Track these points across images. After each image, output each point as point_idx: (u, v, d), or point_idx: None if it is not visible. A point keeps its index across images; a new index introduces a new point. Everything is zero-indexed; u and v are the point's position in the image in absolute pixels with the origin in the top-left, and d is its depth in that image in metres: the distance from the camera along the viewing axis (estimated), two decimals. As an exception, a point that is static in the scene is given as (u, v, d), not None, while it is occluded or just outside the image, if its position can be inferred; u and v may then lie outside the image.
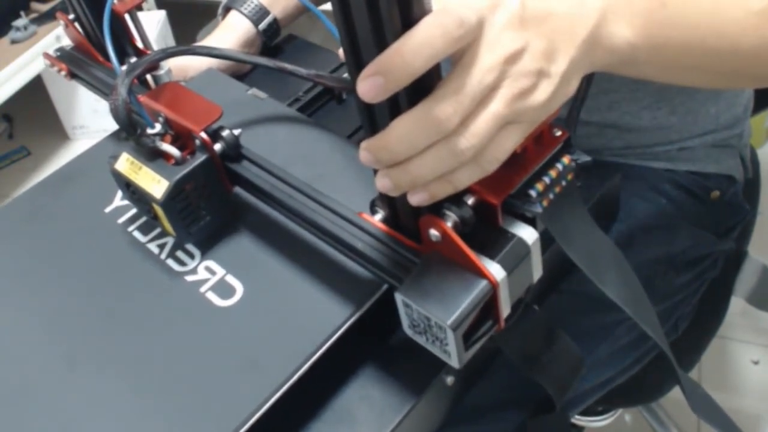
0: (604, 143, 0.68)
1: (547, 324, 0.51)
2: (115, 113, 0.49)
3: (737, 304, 1.00)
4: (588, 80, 0.62)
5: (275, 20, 0.81)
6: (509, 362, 0.50)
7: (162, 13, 1.88)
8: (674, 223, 0.67)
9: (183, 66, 0.77)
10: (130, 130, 0.50)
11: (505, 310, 0.41)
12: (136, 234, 0.56)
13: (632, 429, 1.21)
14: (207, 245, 0.54)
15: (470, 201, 0.41)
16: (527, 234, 0.41)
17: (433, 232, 0.40)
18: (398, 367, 0.50)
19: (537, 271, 0.43)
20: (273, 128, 0.62)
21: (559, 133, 0.43)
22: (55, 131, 2.00)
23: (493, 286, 0.39)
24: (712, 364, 1.26)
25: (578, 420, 0.93)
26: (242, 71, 0.81)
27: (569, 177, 0.43)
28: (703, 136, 0.68)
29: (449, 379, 0.50)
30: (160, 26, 1.84)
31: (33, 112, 2.06)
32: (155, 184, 0.50)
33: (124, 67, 0.58)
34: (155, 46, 0.67)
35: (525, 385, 0.55)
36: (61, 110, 1.95)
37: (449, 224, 0.40)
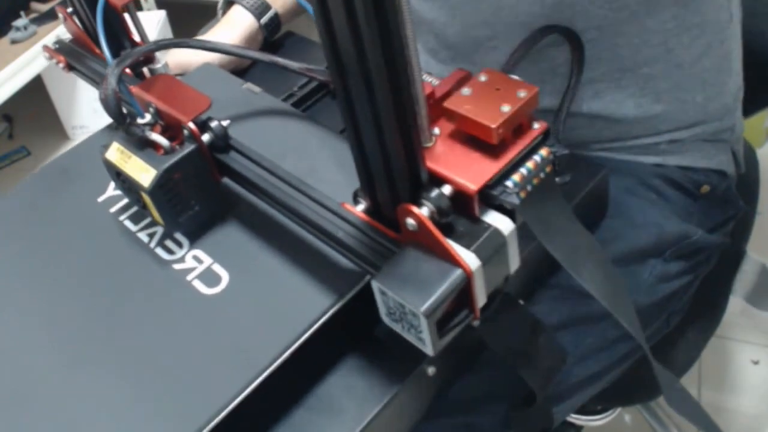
0: (594, 135, 0.68)
1: (530, 318, 0.51)
2: (105, 102, 0.50)
3: (737, 304, 0.99)
4: (579, 71, 0.63)
5: (276, 15, 0.82)
6: (494, 356, 0.50)
7: (162, 13, 1.88)
8: (664, 218, 0.67)
9: (183, 63, 0.78)
10: (119, 119, 0.50)
11: (480, 299, 0.41)
12: (127, 223, 0.57)
13: (632, 429, 1.21)
14: (195, 234, 0.55)
15: (447, 191, 0.41)
16: (504, 224, 0.41)
17: (410, 221, 0.40)
18: (380, 357, 0.50)
19: (514, 262, 0.43)
20: (265, 121, 0.63)
21: (537, 126, 0.43)
22: (55, 131, 2.01)
23: (468, 275, 0.39)
24: (712, 364, 1.26)
25: (576, 419, 0.93)
26: (243, 66, 0.82)
27: (548, 169, 0.43)
28: (692, 128, 0.68)
29: (431, 370, 0.51)
30: (160, 26, 1.84)
31: (33, 112, 2.07)
32: (144, 173, 0.51)
33: (118, 59, 0.59)
34: (153, 43, 0.68)
35: (510, 378, 0.56)
36: (61, 110, 1.95)
37: (425, 213, 0.40)
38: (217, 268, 0.52)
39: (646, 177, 0.68)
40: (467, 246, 0.40)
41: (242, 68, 0.83)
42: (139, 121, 0.52)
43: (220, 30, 0.81)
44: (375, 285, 0.40)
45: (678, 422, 1.10)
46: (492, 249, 0.41)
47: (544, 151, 0.43)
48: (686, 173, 0.69)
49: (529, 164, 0.42)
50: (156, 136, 0.52)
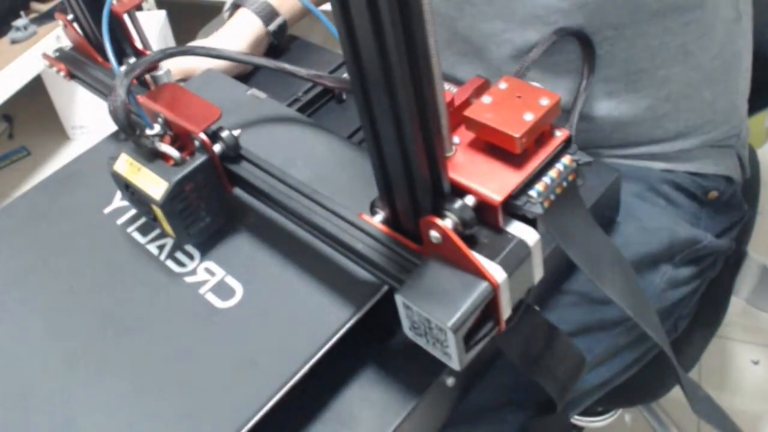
0: (602, 137, 0.67)
1: (548, 325, 0.50)
2: (114, 114, 0.49)
3: (737, 304, 0.99)
4: (590, 75, 0.62)
5: (285, 22, 0.81)
6: (510, 363, 0.50)
7: (162, 13, 1.87)
8: (674, 223, 0.67)
9: (186, 69, 0.77)
10: (129, 131, 0.49)
11: (506, 311, 0.41)
12: (136, 235, 0.56)
13: (632, 429, 1.21)
14: (206, 246, 0.54)
15: (471, 202, 0.40)
16: (528, 235, 0.41)
17: (434, 234, 0.40)
18: (398, 369, 0.50)
19: (538, 273, 0.42)
20: (272, 129, 0.62)
21: (560, 134, 0.43)
22: (55, 131, 1.99)
23: (494, 288, 0.39)
24: (712, 364, 1.26)
25: (578, 420, 0.92)
26: (247, 70, 0.81)
27: (570, 177, 0.43)
28: (700, 133, 0.68)
29: (450, 381, 0.50)
30: (160, 26, 1.83)
31: (33, 112, 2.05)
32: (154, 186, 0.50)
33: (123, 68, 0.58)
34: (155, 47, 0.67)
35: (526, 386, 0.55)
36: (61, 110, 1.94)
37: (449, 225, 0.39)
38: (230, 281, 0.51)
39: (654, 183, 0.68)
40: (492, 258, 0.40)
41: (245, 72, 0.82)
42: (148, 132, 0.51)
43: (226, 34, 0.80)
44: (399, 299, 0.40)
45: (678, 422, 1.10)
46: (517, 260, 0.40)
47: (566, 160, 0.42)
48: (694, 179, 0.69)
49: (552, 173, 0.42)
50: (166, 148, 0.51)
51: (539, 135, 0.42)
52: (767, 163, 0.95)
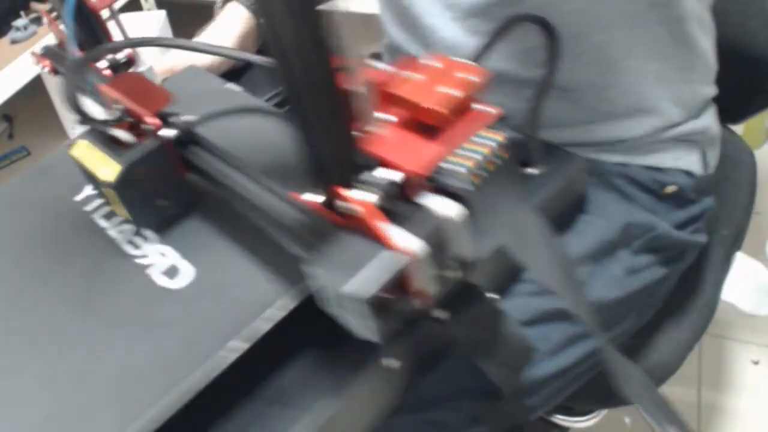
0: (551, 112, 0.64)
1: (496, 312, 0.50)
2: (67, 99, 0.50)
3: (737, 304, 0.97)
4: (552, 66, 0.61)
5: None
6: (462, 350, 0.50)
7: (162, 13, 1.87)
8: (628, 209, 0.66)
9: (172, 67, 0.78)
10: (79, 114, 0.51)
11: (427, 286, 0.40)
12: (100, 220, 0.57)
13: (632, 429, 1.18)
14: (162, 230, 0.55)
15: (392, 176, 0.41)
16: (450, 209, 0.41)
17: (342, 204, 0.40)
18: (340, 351, 0.50)
19: (465, 248, 0.42)
20: (237, 118, 0.63)
21: (491, 110, 0.43)
22: (55, 131, 1.99)
23: (405, 258, 0.38)
24: (712, 364, 1.24)
25: (562, 420, 0.91)
26: (236, 66, 0.83)
27: (502, 155, 0.43)
28: (655, 118, 0.66)
29: (393, 363, 0.50)
30: (160, 26, 1.82)
31: (33, 112, 2.06)
32: (107, 168, 0.51)
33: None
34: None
35: (479, 373, 0.55)
36: (61, 110, 1.94)
37: (364, 198, 0.39)
38: (183, 264, 0.52)
39: (608, 176, 0.67)
40: (406, 228, 0.39)
41: (236, 68, 0.83)
42: (103, 117, 0.53)
43: (214, 29, 0.82)
44: (306, 270, 0.40)
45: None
46: (434, 232, 0.40)
47: (498, 137, 0.42)
48: (650, 173, 0.68)
49: (484, 150, 0.42)
50: (120, 133, 0.52)
51: (468, 110, 0.42)
52: (766, 164, 0.93)
